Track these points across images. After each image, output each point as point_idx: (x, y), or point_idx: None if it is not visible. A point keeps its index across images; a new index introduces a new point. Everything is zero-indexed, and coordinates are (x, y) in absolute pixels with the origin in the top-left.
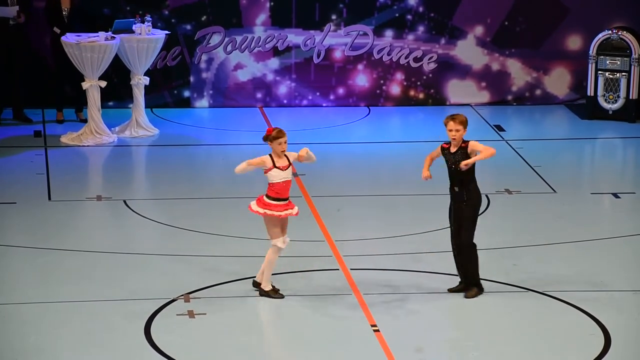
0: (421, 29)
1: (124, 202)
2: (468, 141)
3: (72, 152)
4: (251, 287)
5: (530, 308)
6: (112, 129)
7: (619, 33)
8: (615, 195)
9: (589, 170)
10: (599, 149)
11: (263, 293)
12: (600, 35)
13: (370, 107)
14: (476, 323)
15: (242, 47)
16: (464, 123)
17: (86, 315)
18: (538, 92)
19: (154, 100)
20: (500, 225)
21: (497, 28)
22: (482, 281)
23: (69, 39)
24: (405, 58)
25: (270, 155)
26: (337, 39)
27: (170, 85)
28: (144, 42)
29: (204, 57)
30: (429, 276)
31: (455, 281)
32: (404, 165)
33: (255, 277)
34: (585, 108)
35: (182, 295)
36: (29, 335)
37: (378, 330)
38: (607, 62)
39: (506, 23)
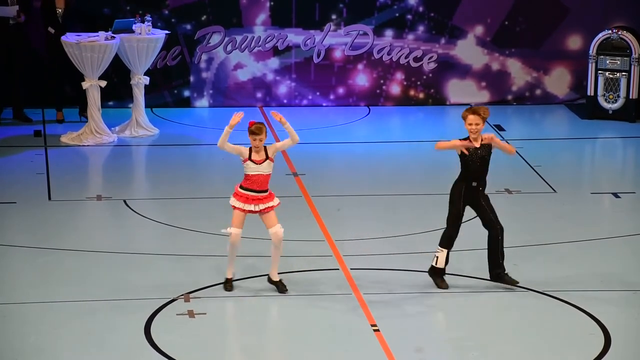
0: (421, 28)
1: (124, 201)
2: (483, 135)
3: (72, 151)
4: (251, 287)
5: (530, 308)
6: (112, 128)
7: (619, 33)
8: (615, 195)
9: (589, 170)
10: (599, 149)
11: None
12: (600, 35)
13: (370, 107)
14: (476, 323)
15: (242, 46)
16: (485, 117)
17: (86, 315)
18: (538, 91)
19: (154, 100)
20: None
21: (497, 28)
22: (482, 281)
23: (69, 39)
24: (405, 58)
25: (250, 149)
26: (337, 39)
27: (170, 85)
28: (144, 41)
29: (204, 57)
30: (429, 276)
31: (455, 281)
32: (404, 165)
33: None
34: (585, 108)
35: (182, 295)
36: (29, 335)
37: (378, 330)
38: (607, 61)
39: (506, 23)
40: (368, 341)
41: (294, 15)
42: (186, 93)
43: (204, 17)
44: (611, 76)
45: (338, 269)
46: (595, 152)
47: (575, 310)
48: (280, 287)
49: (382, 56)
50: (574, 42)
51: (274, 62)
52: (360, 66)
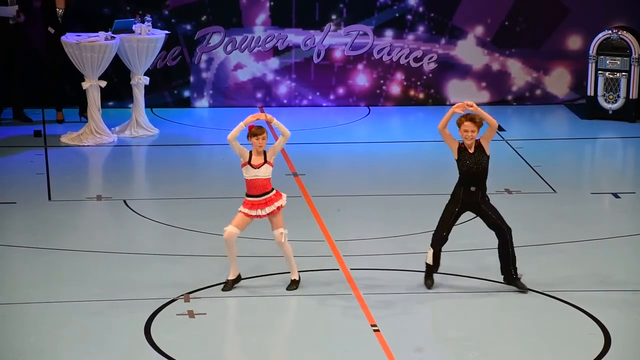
0: (421, 29)
1: (124, 202)
2: (478, 139)
3: (72, 152)
4: (251, 287)
5: (530, 308)
6: (112, 128)
7: (619, 33)
8: (615, 195)
9: (589, 170)
10: (599, 149)
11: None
12: (600, 35)
13: (370, 107)
14: (476, 323)
15: (242, 47)
16: (480, 124)
17: (86, 315)
18: (538, 92)
19: (154, 100)
20: None
21: (497, 28)
22: (482, 281)
23: (69, 39)
24: (405, 58)
25: (251, 152)
26: (337, 39)
27: (170, 85)
28: (144, 42)
29: (204, 57)
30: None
31: (455, 281)
32: (404, 166)
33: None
34: (585, 108)
35: (182, 295)
36: (29, 335)
37: (378, 330)
38: (607, 62)
39: (506, 23)
40: (368, 341)
41: (294, 15)
42: (186, 93)
43: (204, 18)
44: (611, 76)
45: (338, 269)
46: (595, 152)
47: (575, 310)
48: (290, 285)
49: (382, 56)
50: (574, 42)
51: (274, 62)
52: (360, 66)
